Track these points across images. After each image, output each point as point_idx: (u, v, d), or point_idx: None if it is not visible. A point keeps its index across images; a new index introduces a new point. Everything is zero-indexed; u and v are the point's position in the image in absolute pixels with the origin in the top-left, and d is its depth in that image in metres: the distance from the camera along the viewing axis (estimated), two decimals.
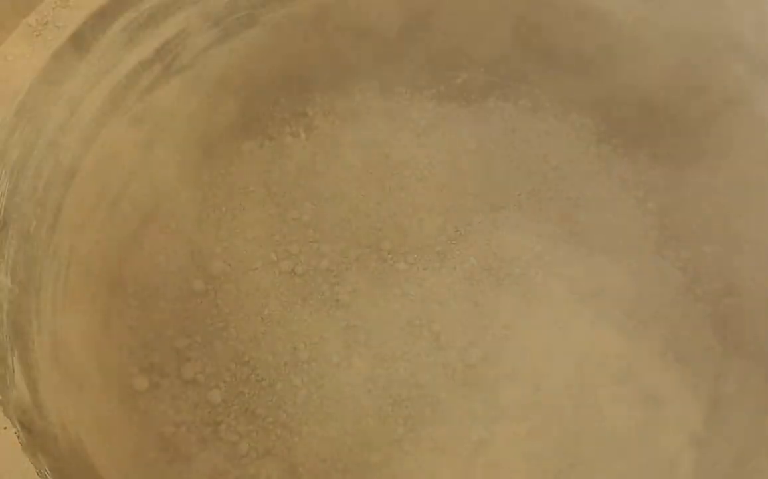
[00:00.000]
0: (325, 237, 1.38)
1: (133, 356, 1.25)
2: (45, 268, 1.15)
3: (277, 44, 1.43)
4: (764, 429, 1.18)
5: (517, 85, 1.52)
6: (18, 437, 0.91)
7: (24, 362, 1.05)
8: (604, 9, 1.42)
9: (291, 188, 1.42)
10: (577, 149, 1.47)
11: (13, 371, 1.02)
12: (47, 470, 0.94)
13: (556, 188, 1.43)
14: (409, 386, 1.25)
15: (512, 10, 1.46)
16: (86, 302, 1.21)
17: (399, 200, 1.41)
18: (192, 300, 1.31)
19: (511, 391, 1.25)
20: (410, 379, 1.25)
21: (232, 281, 1.33)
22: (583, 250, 1.37)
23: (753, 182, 1.34)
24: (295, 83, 1.49)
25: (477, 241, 1.37)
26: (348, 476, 1.19)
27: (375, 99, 1.51)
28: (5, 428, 0.91)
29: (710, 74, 1.37)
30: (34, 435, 0.98)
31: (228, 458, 1.19)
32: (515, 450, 1.20)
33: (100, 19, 1.19)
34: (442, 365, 1.26)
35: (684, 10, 1.36)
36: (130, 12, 1.23)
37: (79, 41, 1.17)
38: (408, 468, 1.19)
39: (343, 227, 1.38)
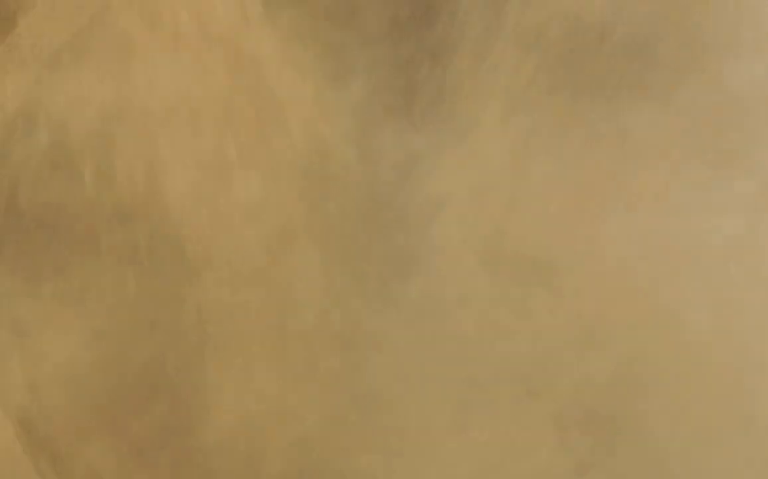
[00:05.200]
0: None
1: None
2: None
3: None
4: None
5: None
6: (18, 437, 0.91)
7: (24, 362, 1.05)
8: None
9: None
10: None
11: (13, 371, 1.02)
12: (47, 470, 0.94)
13: None
14: None
15: None
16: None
17: None
18: None
19: None
20: None
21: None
22: None
23: None
24: None
25: None
26: None
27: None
28: (5, 428, 0.91)
29: None
30: (34, 435, 0.98)
31: None
32: None
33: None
34: None
35: None
36: None
37: (79, 41, 1.17)
38: None
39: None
